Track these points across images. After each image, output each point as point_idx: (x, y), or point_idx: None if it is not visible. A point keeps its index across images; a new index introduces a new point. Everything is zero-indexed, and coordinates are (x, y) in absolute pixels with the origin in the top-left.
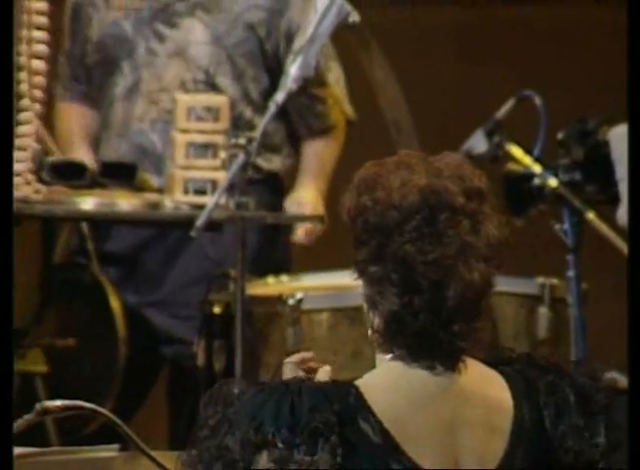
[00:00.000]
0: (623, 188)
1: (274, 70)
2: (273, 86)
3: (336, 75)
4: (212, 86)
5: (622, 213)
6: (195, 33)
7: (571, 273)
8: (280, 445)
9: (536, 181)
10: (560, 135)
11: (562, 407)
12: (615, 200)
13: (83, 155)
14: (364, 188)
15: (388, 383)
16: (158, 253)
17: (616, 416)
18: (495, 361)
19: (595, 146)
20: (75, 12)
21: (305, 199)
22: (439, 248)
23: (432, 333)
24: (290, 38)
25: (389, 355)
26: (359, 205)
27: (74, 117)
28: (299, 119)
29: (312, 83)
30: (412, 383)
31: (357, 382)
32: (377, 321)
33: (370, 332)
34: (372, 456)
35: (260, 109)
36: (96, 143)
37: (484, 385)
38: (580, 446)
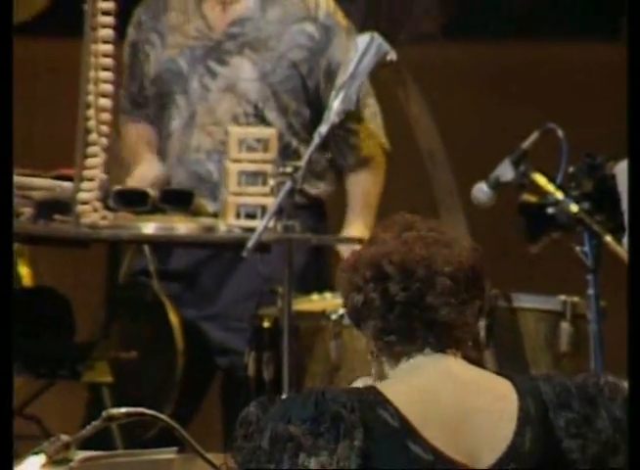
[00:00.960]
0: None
1: (315, 105)
2: (314, 119)
3: (372, 111)
4: (261, 119)
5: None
6: (244, 70)
7: (590, 291)
8: (306, 434)
9: (553, 209)
10: (571, 169)
11: (564, 398)
12: (621, 228)
13: (150, 162)
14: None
15: (401, 379)
16: (213, 271)
17: (619, 408)
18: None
19: (603, 179)
20: (134, 48)
21: (356, 230)
22: (400, 244)
23: (410, 311)
24: (329, 75)
25: (392, 359)
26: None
27: (138, 132)
28: (336, 151)
29: (349, 118)
30: (421, 374)
31: (377, 385)
32: (373, 333)
33: (370, 355)
34: (390, 439)
35: (304, 139)
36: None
37: (490, 380)
38: (585, 433)
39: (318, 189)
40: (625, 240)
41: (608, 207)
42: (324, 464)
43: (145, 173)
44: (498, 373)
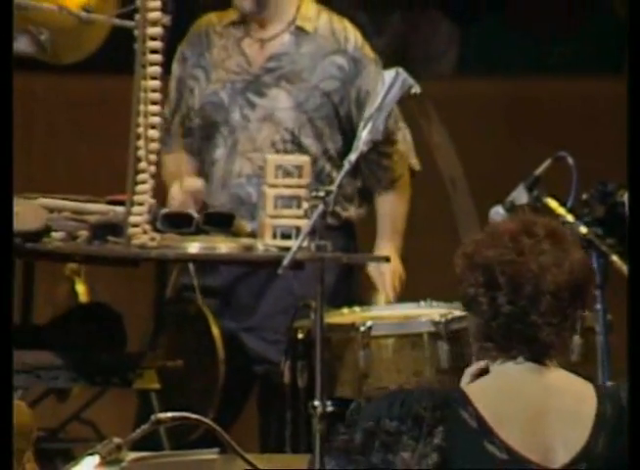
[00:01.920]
0: None
1: (347, 131)
2: (346, 145)
3: (403, 134)
4: (298, 145)
5: None
6: (280, 101)
7: (598, 306)
8: (392, 433)
9: None
10: (584, 196)
11: None
12: None
13: (193, 179)
14: (467, 238)
15: (485, 382)
16: (251, 287)
17: None
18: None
19: (613, 205)
20: (179, 84)
21: (382, 265)
22: (515, 254)
23: (513, 325)
24: (360, 104)
25: (490, 360)
26: (461, 245)
27: (181, 161)
28: (369, 173)
29: (382, 142)
30: (503, 378)
31: (462, 385)
32: (475, 333)
33: (473, 348)
34: (468, 438)
35: (337, 164)
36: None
37: (570, 382)
38: None
39: (348, 211)
40: None
41: (618, 231)
42: (406, 461)
43: (189, 184)
44: (584, 377)
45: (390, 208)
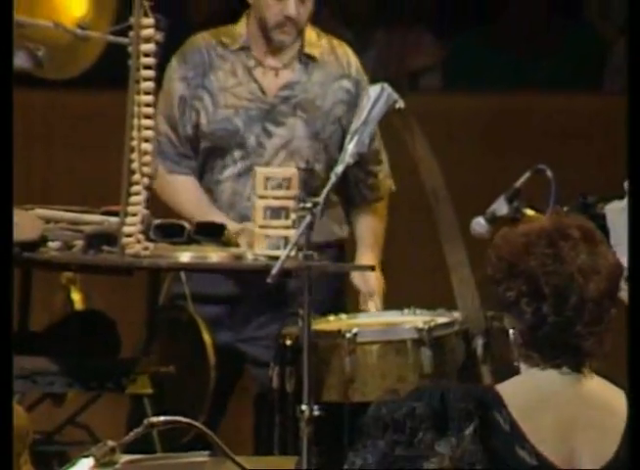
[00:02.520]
0: (617, 252)
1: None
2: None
3: (384, 155)
4: (310, 172)
5: None
6: (297, 130)
7: None
8: (434, 420)
9: None
10: (565, 208)
11: None
12: None
13: (221, 218)
14: (499, 237)
15: (521, 385)
16: (249, 300)
17: None
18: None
19: (594, 217)
20: (183, 103)
21: (368, 273)
22: (558, 262)
23: (558, 335)
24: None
25: (528, 364)
26: (494, 246)
27: (195, 188)
28: (356, 190)
29: (369, 161)
30: (542, 384)
31: (497, 385)
32: (517, 337)
33: (515, 352)
34: (500, 442)
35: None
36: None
37: (604, 392)
38: None
39: (342, 231)
40: None
41: None
42: (441, 460)
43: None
44: (619, 384)
45: (372, 222)
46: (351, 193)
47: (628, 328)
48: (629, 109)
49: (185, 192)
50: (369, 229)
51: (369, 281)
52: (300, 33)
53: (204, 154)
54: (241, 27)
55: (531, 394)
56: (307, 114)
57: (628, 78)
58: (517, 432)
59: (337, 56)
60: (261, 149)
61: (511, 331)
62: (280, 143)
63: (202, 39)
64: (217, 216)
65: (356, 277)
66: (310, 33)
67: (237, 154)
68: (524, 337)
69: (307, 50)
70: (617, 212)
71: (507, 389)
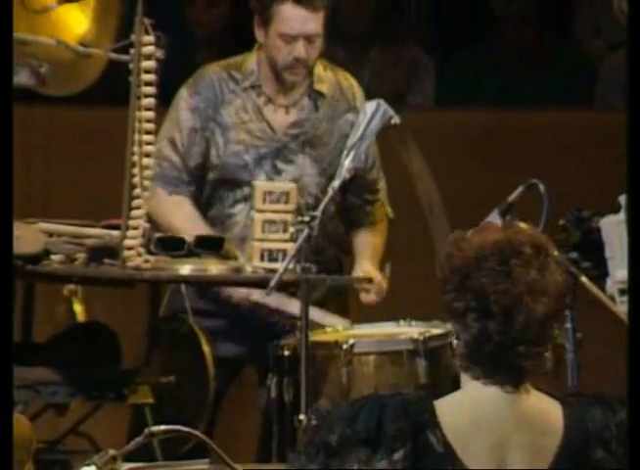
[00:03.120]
0: (611, 265)
1: (355, 180)
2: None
3: (383, 183)
4: (317, 206)
5: (611, 285)
6: (306, 168)
7: (568, 325)
8: (368, 444)
9: None
10: (561, 221)
11: (606, 438)
12: (605, 274)
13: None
14: (451, 244)
15: (459, 402)
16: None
17: None
18: (564, 394)
19: (589, 231)
20: (193, 133)
21: (366, 269)
22: (509, 281)
23: (502, 353)
24: (366, 156)
25: (469, 376)
26: (447, 255)
27: (191, 208)
28: (353, 217)
29: (366, 190)
30: (479, 402)
31: (436, 401)
32: (460, 347)
33: (456, 359)
34: (434, 462)
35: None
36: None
37: (540, 410)
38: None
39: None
40: (609, 283)
41: (594, 256)
42: None
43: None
44: (558, 398)
45: (370, 238)
46: (349, 217)
47: (628, 341)
48: (628, 123)
49: (181, 211)
50: (366, 243)
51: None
52: (311, 71)
53: (212, 185)
54: (251, 63)
55: (468, 413)
56: (316, 151)
57: (628, 93)
58: (450, 453)
59: (342, 90)
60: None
61: (454, 340)
62: (289, 180)
63: (213, 72)
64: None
65: (356, 273)
66: (318, 68)
67: (247, 190)
68: (467, 349)
69: (317, 86)
70: (611, 226)
71: (444, 406)
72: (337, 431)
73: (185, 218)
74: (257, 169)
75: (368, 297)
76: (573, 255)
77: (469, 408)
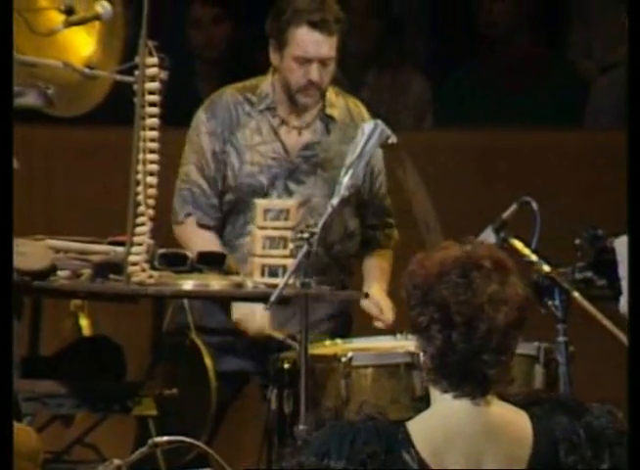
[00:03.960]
0: (625, 284)
1: (360, 206)
2: (362, 219)
3: (391, 209)
4: (328, 227)
5: (624, 304)
6: (317, 189)
7: (560, 339)
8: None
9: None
10: (576, 241)
11: (574, 442)
12: (619, 293)
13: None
14: (414, 263)
15: (430, 420)
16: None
17: (621, 448)
18: (528, 402)
19: (603, 250)
20: (215, 158)
21: (376, 296)
22: (470, 292)
23: (467, 363)
24: (372, 180)
25: (438, 390)
26: (410, 272)
27: (217, 247)
28: (365, 239)
29: (381, 226)
30: (449, 418)
31: (408, 422)
32: (427, 361)
33: (424, 373)
34: None
35: (357, 239)
36: None
37: (509, 422)
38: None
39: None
40: (622, 302)
41: (608, 274)
42: None
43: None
44: (527, 403)
45: (378, 261)
46: (362, 240)
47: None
48: (629, 143)
49: (207, 243)
50: (375, 265)
51: (378, 303)
52: (323, 95)
53: (227, 206)
54: (266, 86)
55: (440, 429)
56: (326, 172)
57: (628, 112)
58: (424, 469)
59: (352, 116)
60: None
61: (421, 355)
62: (300, 200)
63: (230, 95)
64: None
65: (366, 301)
66: (330, 93)
67: None
68: (433, 362)
69: (329, 111)
70: (625, 246)
71: (416, 425)
72: (310, 460)
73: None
74: (271, 189)
75: (377, 322)
76: (588, 274)
77: (440, 424)
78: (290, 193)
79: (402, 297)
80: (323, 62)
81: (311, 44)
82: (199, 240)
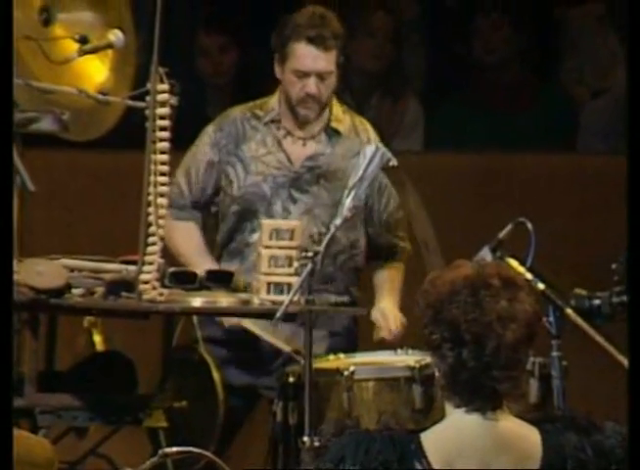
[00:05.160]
0: None
1: (369, 220)
2: (369, 232)
3: (405, 223)
4: (331, 237)
5: None
6: (320, 198)
7: (554, 354)
8: None
9: None
10: (613, 265)
11: (582, 459)
12: None
13: (211, 265)
14: (427, 282)
15: (442, 432)
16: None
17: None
18: (541, 419)
19: None
20: (210, 167)
21: (387, 310)
22: (478, 310)
23: (477, 379)
24: (380, 194)
25: (451, 405)
26: (423, 291)
27: (192, 235)
28: (376, 252)
29: (391, 239)
30: (461, 430)
31: (422, 433)
32: (440, 378)
33: (439, 389)
34: None
35: (363, 251)
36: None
37: (519, 437)
38: None
39: (356, 291)
40: None
41: None
42: None
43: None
44: (540, 420)
45: (389, 274)
46: (372, 253)
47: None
48: (629, 168)
49: (187, 237)
50: (386, 279)
51: (386, 316)
52: (323, 108)
53: (234, 217)
54: (274, 101)
55: (452, 441)
56: (330, 183)
57: (628, 138)
58: None
59: (357, 132)
60: (286, 213)
61: (436, 372)
62: (304, 209)
63: (239, 112)
64: (210, 266)
65: (376, 313)
66: (337, 109)
67: (263, 218)
68: (446, 379)
69: (334, 124)
70: None
71: (429, 436)
72: (329, 465)
73: (188, 247)
74: (275, 198)
75: (377, 335)
76: (624, 298)
77: (453, 437)
78: (294, 201)
79: (412, 311)
80: (320, 75)
81: (309, 58)
82: (176, 232)
